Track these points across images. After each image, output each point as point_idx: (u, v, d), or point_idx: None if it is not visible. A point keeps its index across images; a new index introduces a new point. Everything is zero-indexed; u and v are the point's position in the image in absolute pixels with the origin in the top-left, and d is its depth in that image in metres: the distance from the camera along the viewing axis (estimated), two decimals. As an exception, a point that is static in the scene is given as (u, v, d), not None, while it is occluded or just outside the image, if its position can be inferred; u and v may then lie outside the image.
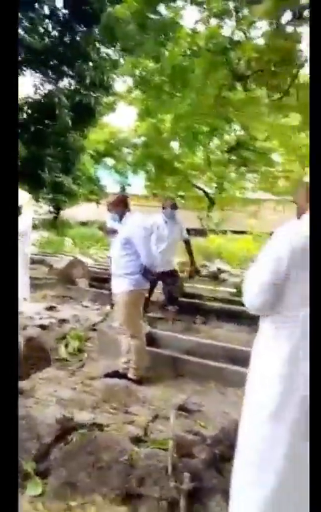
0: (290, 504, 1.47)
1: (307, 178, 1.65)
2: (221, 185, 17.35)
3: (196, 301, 5.82)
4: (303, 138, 11.57)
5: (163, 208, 5.04)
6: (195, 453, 2.28)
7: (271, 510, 1.49)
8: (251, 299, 1.56)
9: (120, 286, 3.44)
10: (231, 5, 6.47)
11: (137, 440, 2.43)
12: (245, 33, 6.78)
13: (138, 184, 18.06)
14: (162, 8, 7.27)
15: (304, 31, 6.20)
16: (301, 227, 1.48)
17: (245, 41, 6.53)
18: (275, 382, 1.48)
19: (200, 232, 12.91)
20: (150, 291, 4.94)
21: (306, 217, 1.55)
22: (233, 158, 16.38)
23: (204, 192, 17.47)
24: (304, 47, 6.19)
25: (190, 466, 2.16)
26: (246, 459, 1.59)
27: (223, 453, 2.26)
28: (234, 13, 6.65)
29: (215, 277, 8.04)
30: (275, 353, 1.50)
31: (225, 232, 13.68)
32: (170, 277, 5.00)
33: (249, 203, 18.45)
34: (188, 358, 3.78)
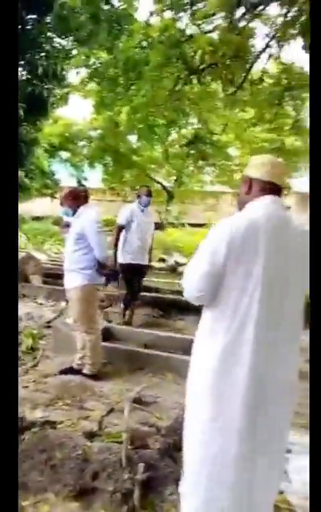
0: (232, 493, 1.49)
1: (246, 171, 1.66)
2: (180, 179, 17.45)
3: (155, 294, 5.85)
4: (259, 131, 11.84)
5: (138, 196, 4.91)
6: (150, 444, 2.29)
7: (210, 495, 1.51)
8: (189, 290, 1.57)
9: (73, 281, 3.39)
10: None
11: (91, 435, 2.41)
12: (198, 27, 6.80)
13: (96, 177, 17.83)
14: (114, -1, 7.17)
15: (256, 25, 6.32)
16: (242, 219, 1.50)
17: (198, 35, 6.54)
18: (210, 375, 1.49)
19: (159, 226, 12.95)
20: (133, 286, 4.84)
21: (246, 209, 1.57)
22: (192, 151, 16.49)
23: (163, 185, 17.50)
24: (257, 42, 6.31)
25: (144, 457, 2.17)
26: (189, 449, 1.61)
27: (176, 442, 2.28)
28: (189, 6, 6.66)
29: (173, 270, 8.10)
30: (211, 344, 1.51)
31: (183, 225, 13.79)
32: (144, 271, 4.94)
33: (207, 196, 18.68)
34: (145, 351, 3.80)
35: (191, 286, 1.55)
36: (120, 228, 4.74)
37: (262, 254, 1.44)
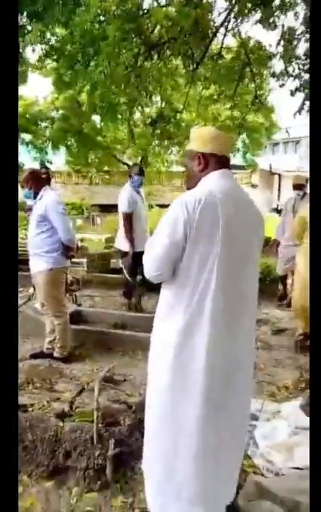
0: (195, 463, 1.52)
1: (195, 146, 1.61)
2: (146, 159, 17.23)
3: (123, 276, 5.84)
4: (221, 109, 11.77)
5: (129, 176, 4.65)
6: (120, 421, 2.33)
7: (172, 466, 1.56)
8: (148, 265, 1.57)
9: (38, 265, 3.35)
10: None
11: (63, 416, 2.42)
12: (156, 0, 6.61)
13: (61, 160, 17.39)
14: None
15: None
16: (201, 193, 1.48)
17: (155, 8, 6.36)
18: (169, 352, 1.51)
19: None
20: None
21: (202, 184, 1.56)
22: (157, 131, 16.26)
23: (129, 166, 17.25)
24: (215, 16, 6.18)
25: (115, 434, 2.21)
26: (150, 424, 1.65)
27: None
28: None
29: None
30: (172, 320, 1.52)
31: (151, 206, 13.71)
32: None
33: (173, 176, 18.59)
34: (115, 332, 3.83)
35: (149, 261, 1.55)
36: (129, 216, 4.45)
37: (220, 228, 1.44)
